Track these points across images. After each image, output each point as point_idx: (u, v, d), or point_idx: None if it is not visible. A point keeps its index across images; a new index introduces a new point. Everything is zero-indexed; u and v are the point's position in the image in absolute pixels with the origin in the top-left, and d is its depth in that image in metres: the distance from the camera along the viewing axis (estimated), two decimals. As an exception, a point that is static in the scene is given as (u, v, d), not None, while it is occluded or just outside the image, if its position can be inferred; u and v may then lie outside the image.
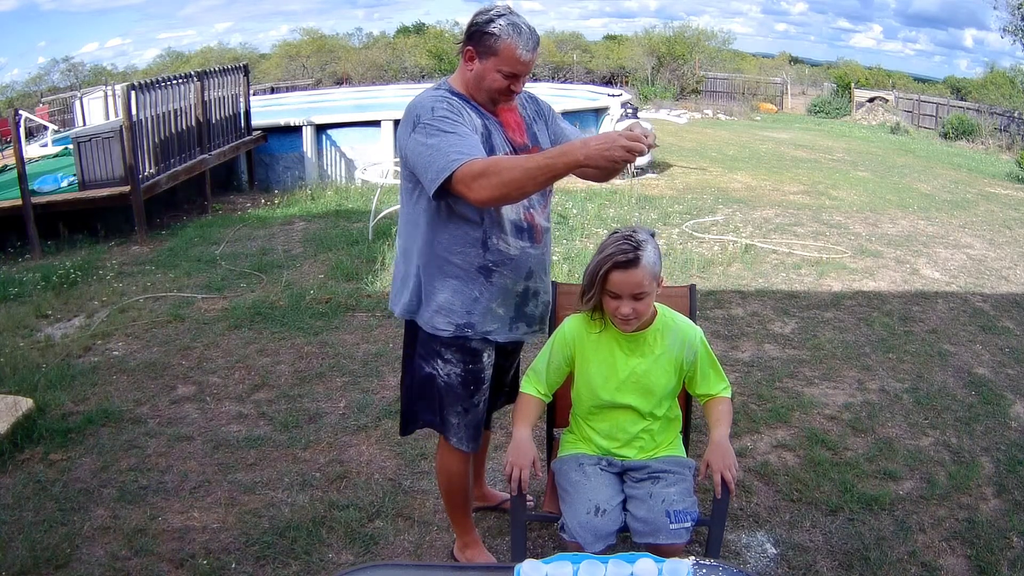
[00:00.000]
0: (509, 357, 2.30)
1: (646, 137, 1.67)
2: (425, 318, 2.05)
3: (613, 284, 1.90)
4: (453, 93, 1.96)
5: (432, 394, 2.13)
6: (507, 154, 1.95)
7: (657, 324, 2.05)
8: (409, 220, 2.04)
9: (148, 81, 6.89)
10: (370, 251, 5.89)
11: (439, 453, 2.30)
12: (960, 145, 17.52)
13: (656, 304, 2.05)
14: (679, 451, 2.20)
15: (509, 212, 1.98)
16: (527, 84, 2.05)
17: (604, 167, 1.66)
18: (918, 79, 33.91)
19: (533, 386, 2.12)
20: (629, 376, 2.04)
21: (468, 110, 1.93)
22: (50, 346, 4.29)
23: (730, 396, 2.11)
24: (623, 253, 1.87)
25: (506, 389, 2.36)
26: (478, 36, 1.91)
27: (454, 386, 2.09)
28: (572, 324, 2.10)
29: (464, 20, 1.86)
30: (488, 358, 2.11)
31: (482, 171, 1.73)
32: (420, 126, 1.85)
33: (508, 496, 2.14)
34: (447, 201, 1.90)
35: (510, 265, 2.02)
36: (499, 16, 1.88)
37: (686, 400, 2.29)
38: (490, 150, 1.91)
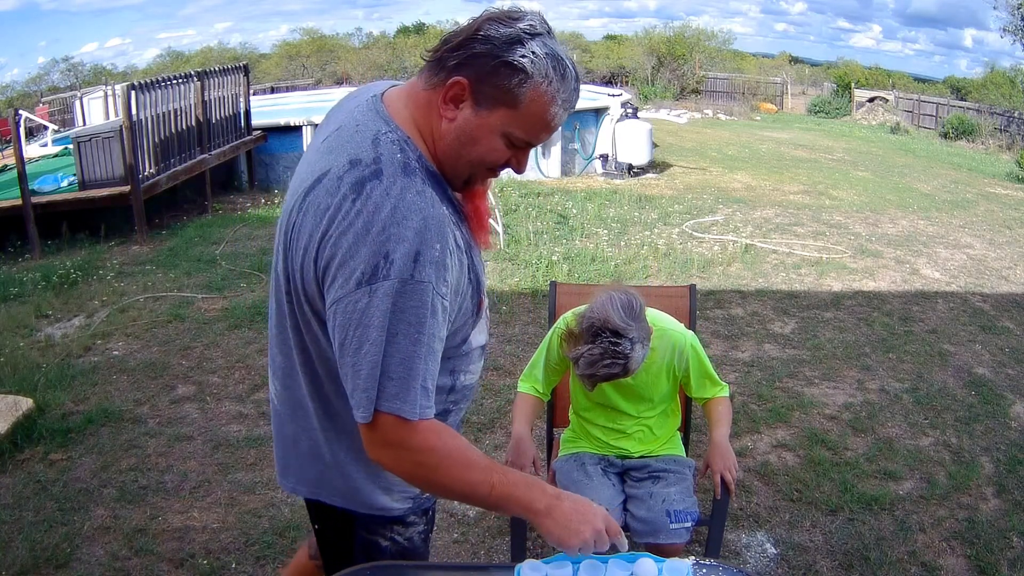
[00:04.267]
0: None
1: (621, 540, 1.24)
2: (366, 503, 1.32)
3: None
4: (432, 178, 1.14)
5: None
6: (486, 276, 1.30)
7: None
8: (305, 365, 1.23)
9: (148, 81, 6.89)
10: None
11: None
12: (960, 145, 17.52)
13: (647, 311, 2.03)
14: (679, 450, 2.20)
15: (479, 336, 1.33)
16: None
17: (557, 536, 1.17)
18: (918, 79, 33.90)
19: (531, 384, 2.12)
20: (622, 384, 2.03)
21: (458, 234, 1.15)
22: (50, 346, 4.29)
23: (728, 395, 2.10)
24: (612, 372, 1.79)
25: None
26: (485, 64, 1.08)
27: (417, 547, 1.44)
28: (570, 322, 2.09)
29: (464, 20, 1.12)
30: None
31: (427, 449, 1.11)
32: (392, 284, 1.04)
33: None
34: None
35: (469, 395, 1.40)
36: (531, 36, 1.08)
37: (686, 400, 2.29)
38: (476, 280, 1.23)
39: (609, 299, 1.81)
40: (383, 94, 1.19)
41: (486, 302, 1.28)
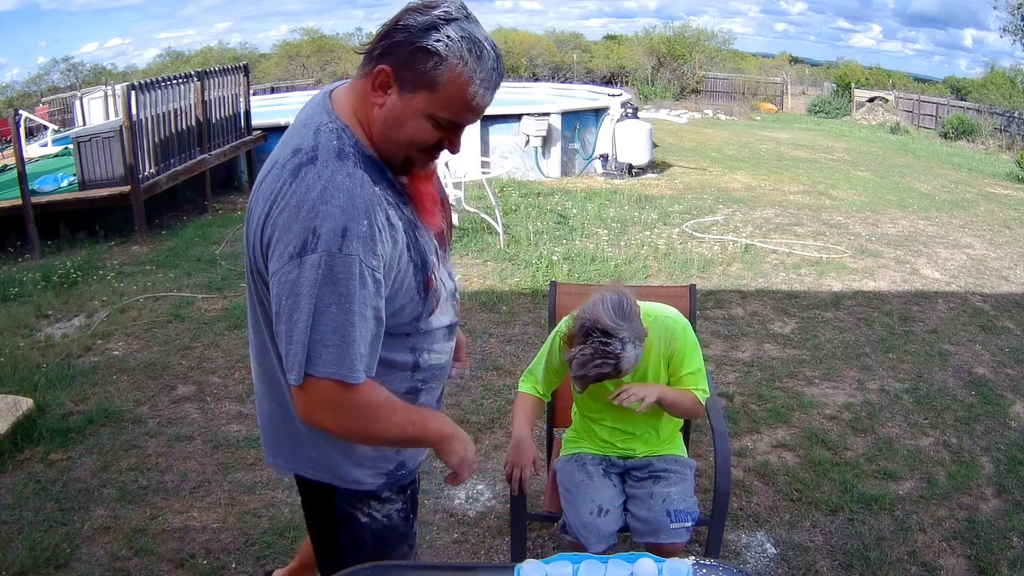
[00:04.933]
0: None
1: (470, 467, 1.40)
2: (340, 475, 1.40)
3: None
4: (368, 162, 1.21)
5: (364, 548, 1.47)
6: (435, 247, 1.34)
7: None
8: (272, 341, 1.29)
9: (148, 81, 6.89)
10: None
11: None
12: (960, 145, 17.51)
13: (643, 306, 2.01)
14: (680, 450, 2.20)
15: (443, 316, 1.39)
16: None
17: (445, 457, 1.37)
18: (918, 79, 33.87)
19: (531, 385, 2.11)
20: (623, 382, 2.02)
21: (393, 212, 1.21)
22: (50, 346, 4.29)
23: (701, 402, 2.02)
24: (602, 372, 1.80)
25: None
26: (404, 50, 1.14)
27: (397, 526, 1.49)
28: (568, 325, 2.09)
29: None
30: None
31: (365, 405, 1.21)
32: (320, 257, 1.12)
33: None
34: None
35: (439, 375, 1.46)
36: (446, 21, 1.14)
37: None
38: (421, 260, 1.27)
39: (600, 299, 1.82)
40: (333, 91, 1.28)
41: (437, 282, 1.33)
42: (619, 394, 1.91)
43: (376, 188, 1.18)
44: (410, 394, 1.39)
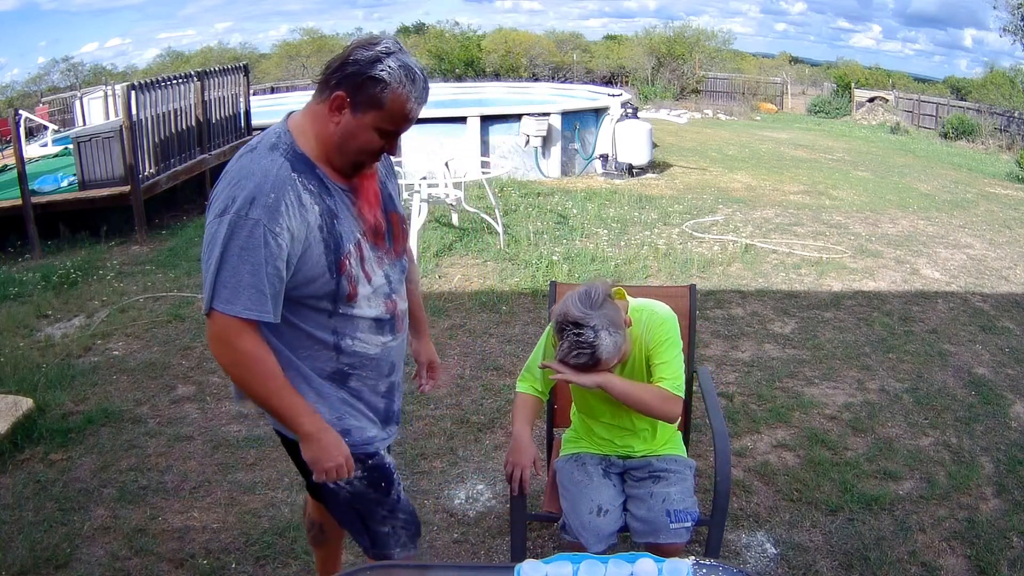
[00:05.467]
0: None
1: (345, 469, 1.58)
2: (284, 431, 1.66)
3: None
4: (297, 157, 1.50)
5: (346, 511, 1.74)
6: (360, 237, 1.57)
7: (632, 325, 1.98)
8: None
9: (148, 81, 6.89)
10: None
11: None
12: (960, 145, 17.51)
13: (633, 304, 2.01)
14: (680, 449, 2.20)
15: (367, 311, 1.60)
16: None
17: (310, 457, 1.56)
18: (918, 79, 33.83)
19: (529, 384, 2.12)
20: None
21: (308, 198, 1.48)
22: (50, 346, 4.29)
23: (674, 395, 1.93)
24: (580, 362, 1.82)
25: None
26: (356, 80, 1.44)
27: (363, 492, 1.71)
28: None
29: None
30: (385, 452, 1.76)
31: (247, 353, 1.46)
32: (232, 217, 1.42)
33: None
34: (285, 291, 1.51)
35: (370, 366, 1.66)
36: (387, 55, 1.44)
37: (686, 400, 2.28)
38: (335, 244, 1.52)
39: (569, 295, 1.86)
40: (291, 113, 1.58)
41: (353, 269, 1.55)
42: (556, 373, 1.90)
43: (295, 175, 1.47)
44: (337, 376, 1.62)
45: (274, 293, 1.46)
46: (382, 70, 1.43)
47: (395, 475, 1.76)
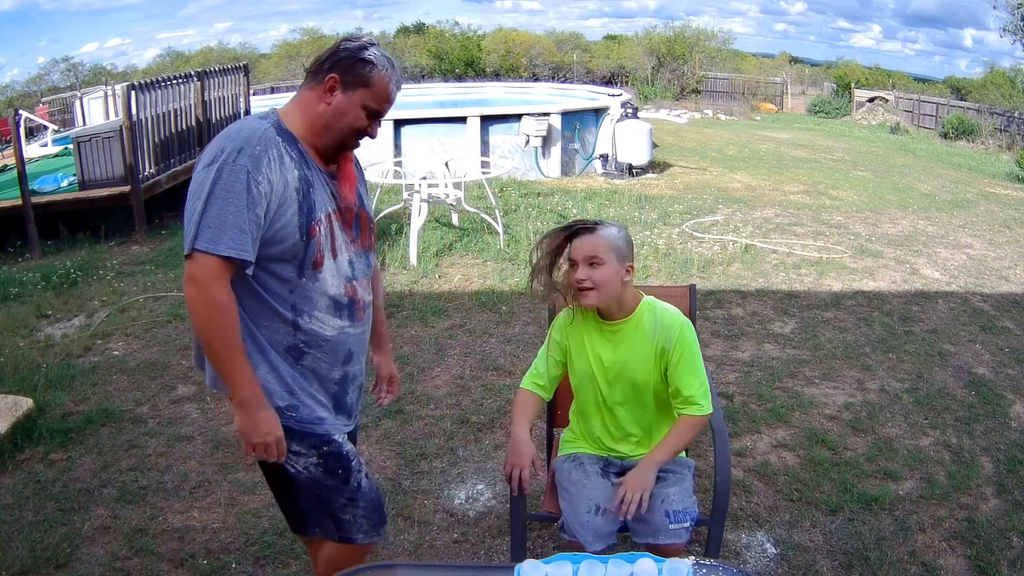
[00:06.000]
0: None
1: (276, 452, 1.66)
2: None
3: (571, 250, 1.97)
4: (282, 131, 1.63)
5: (307, 496, 1.76)
6: (332, 212, 1.68)
7: (638, 313, 2.02)
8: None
9: (148, 81, 6.90)
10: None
11: (329, 554, 1.83)
12: (960, 145, 17.51)
13: (646, 298, 2.04)
14: (679, 451, 2.20)
15: (327, 285, 1.68)
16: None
17: (241, 428, 1.66)
18: (918, 79, 33.83)
19: (532, 381, 2.12)
20: (612, 366, 2.03)
21: (288, 160, 1.60)
22: (50, 346, 4.29)
23: (705, 417, 2.00)
24: (582, 223, 1.96)
25: None
26: (347, 63, 1.62)
27: (320, 479, 1.75)
28: (565, 315, 2.11)
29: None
30: (341, 438, 1.78)
31: (215, 304, 1.52)
32: (219, 164, 1.52)
33: None
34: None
35: (325, 347, 1.71)
36: (371, 44, 1.65)
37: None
38: (308, 209, 1.61)
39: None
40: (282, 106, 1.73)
41: (322, 238, 1.64)
42: (620, 505, 1.90)
43: (279, 139, 1.60)
44: (293, 351, 1.69)
45: (254, 238, 1.55)
46: (369, 55, 1.63)
47: (354, 463, 1.78)
